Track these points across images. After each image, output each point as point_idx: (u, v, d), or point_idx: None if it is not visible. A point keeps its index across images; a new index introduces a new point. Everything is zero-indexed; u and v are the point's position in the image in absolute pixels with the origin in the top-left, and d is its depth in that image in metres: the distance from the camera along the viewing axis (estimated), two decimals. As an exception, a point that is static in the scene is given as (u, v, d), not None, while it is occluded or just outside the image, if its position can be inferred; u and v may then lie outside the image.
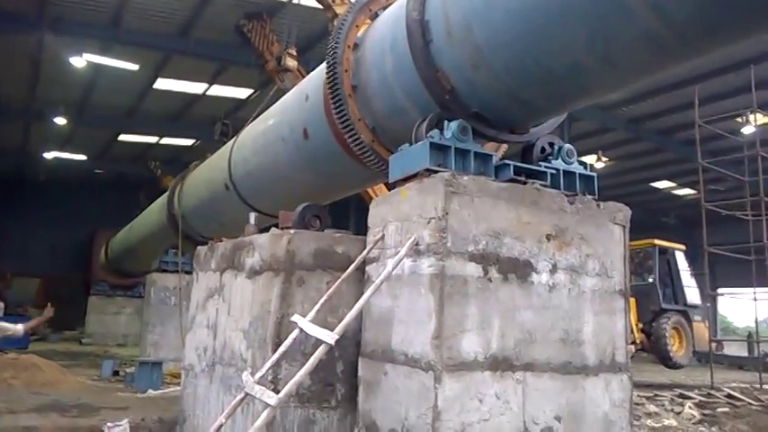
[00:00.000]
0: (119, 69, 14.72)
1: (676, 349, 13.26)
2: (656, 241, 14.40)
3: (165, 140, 20.88)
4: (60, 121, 17.35)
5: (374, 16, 4.98)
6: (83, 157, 22.47)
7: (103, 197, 23.80)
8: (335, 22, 4.99)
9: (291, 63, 11.07)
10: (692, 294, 14.40)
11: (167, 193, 11.67)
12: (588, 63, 3.40)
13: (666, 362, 13.14)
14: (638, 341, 12.80)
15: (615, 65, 3.42)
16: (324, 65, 5.05)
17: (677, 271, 14.40)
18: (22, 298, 21.68)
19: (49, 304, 6.58)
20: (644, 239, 14.51)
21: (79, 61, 14.01)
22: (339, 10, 9.10)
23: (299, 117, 5.90)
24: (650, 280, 14.21)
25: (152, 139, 20.89)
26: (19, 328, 6.10)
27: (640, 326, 13.22)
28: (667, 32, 2.97)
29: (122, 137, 20.49)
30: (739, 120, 15.53)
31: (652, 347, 13.22)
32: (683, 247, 15.03)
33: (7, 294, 21.84)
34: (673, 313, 13.59)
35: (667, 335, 13.08)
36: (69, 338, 20.20)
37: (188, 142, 21.07)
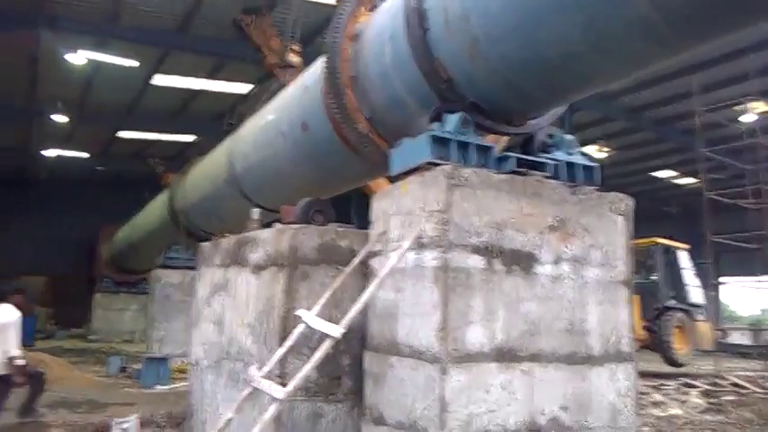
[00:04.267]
0: (117, 66, 14.69)
1: (679, 347, 13.32)
2: (660, 240, 14.44)
3: (166, 137, 20.87)
4: (60, 118, 17.33)
5: (373, 7, 4.98)
6: (84, 155, 22.47)
7: (106, 194, 23.77)
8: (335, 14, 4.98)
9: (296, 59, 11.01)
10: (695, 293, 14.47)
11: (168, 189, 11.69)
12: (584, 53, 3.40)
13: (669, 359, 13.22)
14: (641, 338, 12.85)
15: (611, 55, 3.41)
16: (323, 57, 5.05)
17: (680, 270, 14.43)
18: (28, 297, 21.72)
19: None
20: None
21: (77, 58, 13.98)
22: None
23: (299, 110, 5.90)
24: (654, 278, 14.24)
25: (152, 136, 20.88)
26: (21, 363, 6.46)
27: (644, 323, 13.26)
28: (662, 22, 2.96)
29: (122, 134, 20.49)
30: (738, 108, 15.51)
31: (655, 345, 13.29)
32: (687, 246, 15.04)
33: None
34: (676, 311, 13.65)
35: (670, 333, 13.15)
36: (76, 335, 20.33)
37: (188, 138, 21.05)
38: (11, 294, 6.92)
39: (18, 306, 6.75)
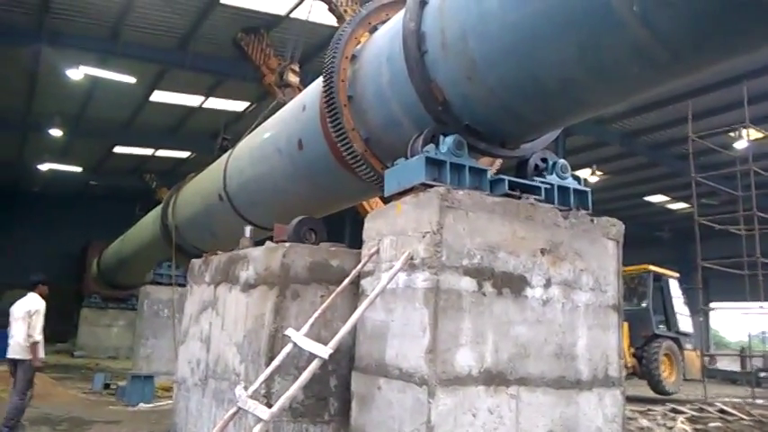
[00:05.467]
0: (116, 82, 14.74)
1: (667, 375, 13.28)
2: (651, 267, 14.46)
3: (161, 153, 20.88)
4: (56, 132, 17.33)
5: (373, 30, 5.04)
6: (78, 169, 22.42)
7: (98, 209, 23.69)
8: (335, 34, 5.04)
9: (294, 79, 11.12)
10: (685, 322, 14.46)
11: (161, 204, 11.66)
12: (581, 77, 3.43)
13: (657, 387, 13.18)
14: (629, 365, 12.80)
15: (608, 80, 3.44)
16: (322, 77, 5.09)
17: (670, 298, 14.46)
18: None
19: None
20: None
21: (76, 74, 14.02)
22: None
23: (295, 128, 5.93)
24: (643, 305, 14.24)
25: (148, 152, 20.88)
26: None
27: (632, 350, 13.24)
28: (658, 47, 2.97)
29: (118, 149, 20.48)
30: (732, 134, 15.69)
31: (643, 372, 13.25)
32: (677, 274, 15.08)
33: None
34: (665, 339, 13.63)
35: (659, 361, 13.12)
36: (61, 351, 20.02)
37: (184, 155, 21.07)
38: (38, 284, 7.33)
39: (42, 296, 7.20)
